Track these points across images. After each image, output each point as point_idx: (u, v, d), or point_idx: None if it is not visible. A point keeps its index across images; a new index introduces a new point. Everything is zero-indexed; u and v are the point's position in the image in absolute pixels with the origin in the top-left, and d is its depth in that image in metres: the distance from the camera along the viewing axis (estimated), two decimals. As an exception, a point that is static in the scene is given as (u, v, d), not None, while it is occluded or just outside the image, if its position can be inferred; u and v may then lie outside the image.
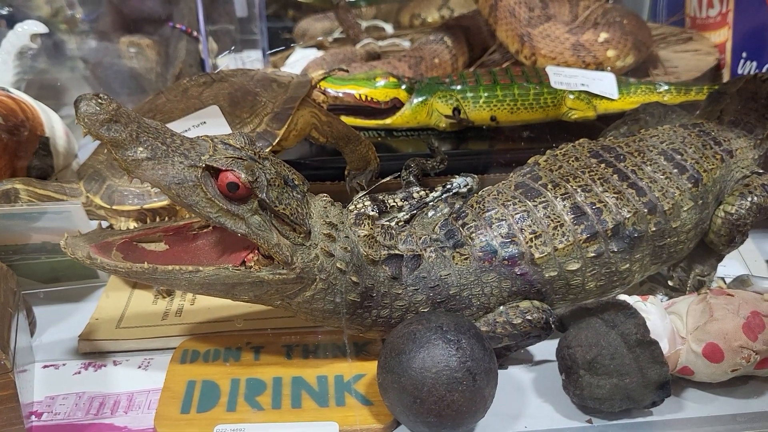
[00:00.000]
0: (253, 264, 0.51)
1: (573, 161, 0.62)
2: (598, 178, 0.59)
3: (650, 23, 1.28)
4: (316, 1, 1.68)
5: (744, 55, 1.07)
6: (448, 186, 0.67)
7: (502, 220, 0.57)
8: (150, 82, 1.00)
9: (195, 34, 1.01)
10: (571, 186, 0.59)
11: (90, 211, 0.69)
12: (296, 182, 0.53)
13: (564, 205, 0.58)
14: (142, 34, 1.01)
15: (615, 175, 0.60)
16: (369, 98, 0.85)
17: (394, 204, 0.69)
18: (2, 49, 0.88)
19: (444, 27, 1.16)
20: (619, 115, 0.88)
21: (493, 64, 1.14)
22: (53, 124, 0.79)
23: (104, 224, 0.69)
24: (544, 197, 0.58)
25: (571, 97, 0.87)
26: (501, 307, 0.57)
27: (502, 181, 0.62)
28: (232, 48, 1.13)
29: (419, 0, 1.46)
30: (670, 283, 0.69)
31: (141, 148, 0.47)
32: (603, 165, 0.61)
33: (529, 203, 0.58)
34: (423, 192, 0.70)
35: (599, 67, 1.00)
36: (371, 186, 0.75)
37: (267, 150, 0.66)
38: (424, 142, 0.84)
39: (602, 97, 0.88)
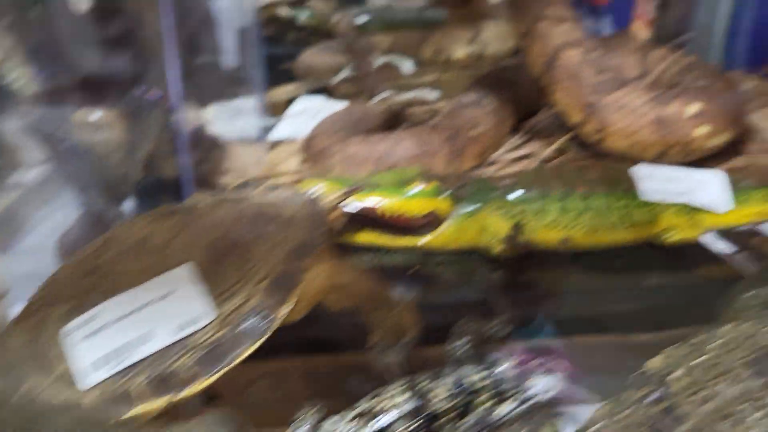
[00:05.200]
0: None
1: (722, 380, 0.41)
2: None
3: (732, 73, 1.07)
4: (314, 21, 1.46)
5: None
6: (527, 394, 0.46)
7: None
8: (114, 165, 0.78)
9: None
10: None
11: None
12: None
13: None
14: (104, 101, 0.79)
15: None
16: (399, 214, 0.64)
17: (443, 404, 0.48)
18: None
19: (483, 81, 0.94)
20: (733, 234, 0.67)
21: (543, 131, 0.92)
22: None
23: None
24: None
25: (668, 211, 0.65)
26: None
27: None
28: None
29: (444, 32, 1.24)
30: None
31: None
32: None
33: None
34: (478, 378, 0.49)
35: (686, 147, 0.78)
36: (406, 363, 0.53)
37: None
38: (477, 287, 0.63)
39: (708, 210, 0.66)
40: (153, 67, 0.78)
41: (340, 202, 0.56)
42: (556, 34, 0.83)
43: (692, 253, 0.69)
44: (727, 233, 0.73)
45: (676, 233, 0.65)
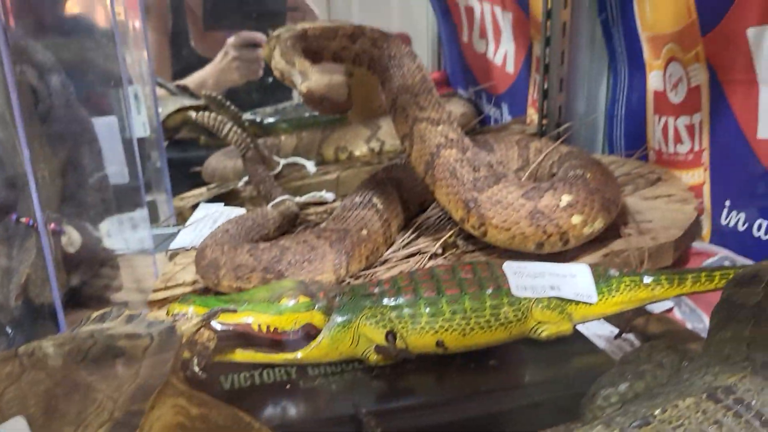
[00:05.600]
0: None
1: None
2: None
3: (611, 157, 1.12)
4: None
5: (727, 203, 0.91)
6: None
7: None
8: (-15, 296, 0.75)
9: (52, 226, 0.78)
10: None
11: None
12: None
13: None
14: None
15: None
16: (272, 329, 0.63)
17: None
18: None
19: (372, 182, 0.96)
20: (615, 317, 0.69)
21: (433, 227, 0.94)
22: None
23: None
24: None
25: (539, 306, 0.66)
26: None
27: None
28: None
29: (344, 131, 1.27)
30: None
31: None
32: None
33: None
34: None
35: (563, 237, 0.81)
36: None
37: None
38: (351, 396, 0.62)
39: (578, 302, 0.68)
40: (27, 192, 0.77)
41: (200, 328, 0.55)
42: (434, 135, 0.87)
43: (572, 344, 0.70)
44: (610, 317, 0.75)
45: (548, 328, 0.66)
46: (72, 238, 0.81)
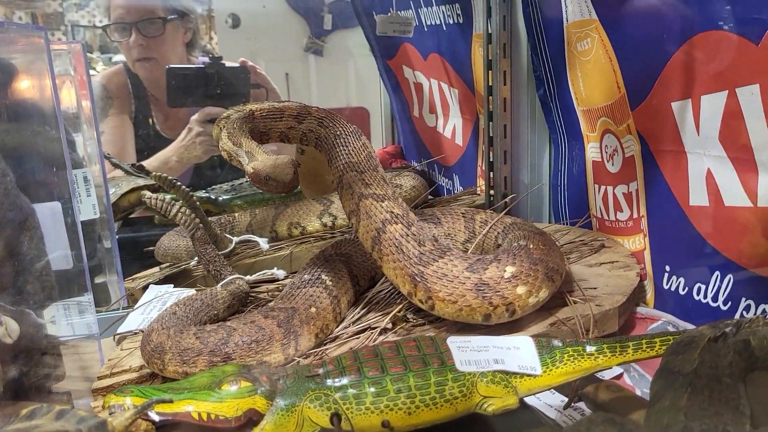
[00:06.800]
0: None
1: None
2: None
3: (556, 226, 1.15)
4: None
5: (668, 268, 0.93)
6: None
7: None
8: None
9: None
10: None
11: None
12: None
13: None
14: None
15: None
16: (213, 417, 0.62)
17: None
18: None
19: (321, 259, 0.96)
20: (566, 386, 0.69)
21: (382, 302, 0.95)
22: None
23: None
24: None
25: (484, 380, 0.66)
26: None
27: None
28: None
29: (297, 207, 1.28)
30: None
31: None
32: None
33: None
34: None
35: (510, 308, 0.82)
36: None
37: None
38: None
39: (523, 374, 0.68)
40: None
41: (134, 421, 0.54)
42: (379, 211, 0.88)
43: (520, 417, 0.69)
44: (560, 386, 0.75)
45: (494, 402, 0.66)
46: (10, 329, 0.78)
